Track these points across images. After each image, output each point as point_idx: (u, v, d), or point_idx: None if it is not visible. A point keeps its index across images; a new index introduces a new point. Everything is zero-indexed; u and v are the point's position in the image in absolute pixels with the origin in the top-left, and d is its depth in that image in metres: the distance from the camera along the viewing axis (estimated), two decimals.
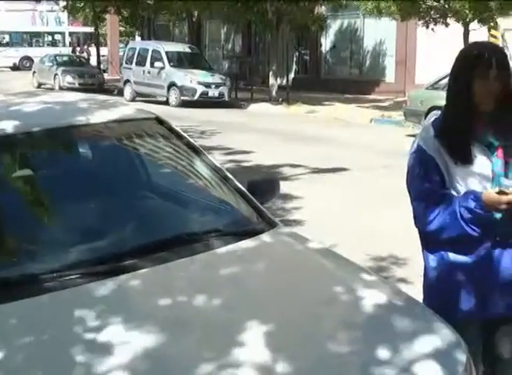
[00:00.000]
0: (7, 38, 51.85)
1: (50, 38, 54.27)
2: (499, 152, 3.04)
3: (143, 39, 39.03)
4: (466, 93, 3.01)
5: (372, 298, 2.96)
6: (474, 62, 3.00)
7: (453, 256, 3.13)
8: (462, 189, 3.05)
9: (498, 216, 3.00)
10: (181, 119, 17.61)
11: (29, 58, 47.26)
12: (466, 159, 3.04)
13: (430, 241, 3.22)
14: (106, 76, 37.59)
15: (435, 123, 3.18)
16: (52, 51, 42.55)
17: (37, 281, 2.81)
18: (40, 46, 50.25)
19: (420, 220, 3.18)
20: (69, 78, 33.09)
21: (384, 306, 2.96)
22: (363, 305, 2.91)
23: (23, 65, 48.02)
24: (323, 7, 28.90)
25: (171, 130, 3.98)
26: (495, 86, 2.97)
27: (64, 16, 51.88)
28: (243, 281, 3.05)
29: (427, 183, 3.10)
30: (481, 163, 3.04)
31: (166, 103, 25.82)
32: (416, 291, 4.77)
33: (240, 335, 2.53)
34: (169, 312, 2.71)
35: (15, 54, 49.10)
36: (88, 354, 2.39)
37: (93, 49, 45.62)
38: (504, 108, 3.02)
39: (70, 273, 2.86)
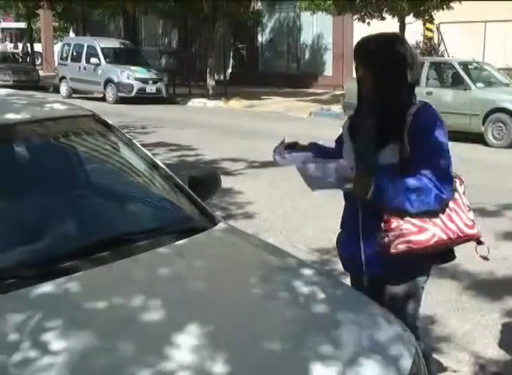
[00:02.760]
0: None
1: None
2: None
3: (77, 35, 38.47)
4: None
5: (314, 292, 2.95)
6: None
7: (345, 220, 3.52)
8: None
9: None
10: (119, 115, 17.46)
11: None
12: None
13: None
14: (41, 72, 37.00)
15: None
16: None
17: None
18: None
19: None
20: (2, 75, 32.36)
21: (326, 301, 2.94)
22: (305, 301, 2.89)
23: None
24: (259, 2, 28.93)
25: (108, 127, 3.90)
26: (362, 80, 3.27)
27: None
28: (184, 281, 2.98)
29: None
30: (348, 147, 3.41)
31: (103, 100, 25.63)
32: None
33: (180, 337, 2.46)
34: (108, 316, 2.62)
35: None
36: (23, 361, 2.28)
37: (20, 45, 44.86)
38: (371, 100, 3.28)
39: (5, 277, 2.74)
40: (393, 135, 3.18)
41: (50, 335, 2.41)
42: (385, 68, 3.19)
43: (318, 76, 30.43)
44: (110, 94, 25.85)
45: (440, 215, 3.19)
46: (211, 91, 25.83)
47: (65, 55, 28.66)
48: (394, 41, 3.26)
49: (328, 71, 30.29)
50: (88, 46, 27.55)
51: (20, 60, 36.81)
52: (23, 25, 46.59)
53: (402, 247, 3.16)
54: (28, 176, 3.60)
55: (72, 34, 40.77)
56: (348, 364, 2.50)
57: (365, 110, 3.34)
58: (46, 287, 2.71)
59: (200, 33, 29.42)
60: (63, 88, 28.25)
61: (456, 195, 3.26)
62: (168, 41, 37.95)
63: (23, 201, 3.33)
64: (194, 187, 3.74)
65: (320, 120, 20.10)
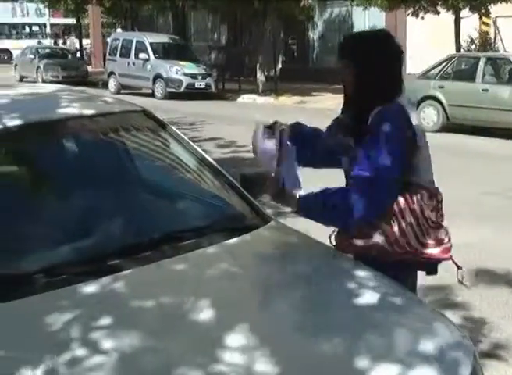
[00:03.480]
0: None
1: (30, 30, 53.73)
2: None
3: (125, 30, 38.67)
4: None
5: (369, 295, 2.88)
6: None
7: None
8: None
9: None
10: (168, 111, 17.48)
11: (7, 51, 46.63)
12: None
13: None
14: (90, 68, 37.32)
15: None
16: (32, 43, 41.97)
17: (16, 283, 2.66)
18: (21, 38, 49.69)
19: None
20: (52, 71, 32.68)
21: (383, 305, 2.87)
22: (359, 303, 2.82)
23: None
24: None
25: (158, 122, 3.88)
26: (343, 77, 3.40)
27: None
28: (235, 280, 2.94)
29: None
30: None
31: (152, 95, 25.73)
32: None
33: (230, 337, 2.42)
34: (157, 315, 2.59)
35: None
36: (72, 360, 2.26)
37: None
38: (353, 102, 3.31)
39: (51, 275, 2.73)
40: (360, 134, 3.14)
41: (99, 334, 2.39)
42: (359, 66, 3.28)
43: None
44: (159, 89, 25.93)
45: (393, 225, 3.08)
46: (261, 87, 25.75)
47: (113, 50, 28.83)
48: (373, 39, 3.33)
49: None
50: (137, 41, 27.69)
51: (69, 56, 37.05)
52: (71, 21, 47.07)
53: (343, 245, 3.28)
54: (78, 172, 3.59)
55: (119, 30, 40.95)
56: (403, 370, 2.43)
57: (344, 107, 3.43)
58: (94, 285, 2.70)
59: (250, 29, 29.40)
60: (112, 84, 28.41)
61: (418, 209, 3.09)
62: (217, 37, 37.97)
63: (72, 198, 3.32)
64: (246, 184, 3.68)
65: None
